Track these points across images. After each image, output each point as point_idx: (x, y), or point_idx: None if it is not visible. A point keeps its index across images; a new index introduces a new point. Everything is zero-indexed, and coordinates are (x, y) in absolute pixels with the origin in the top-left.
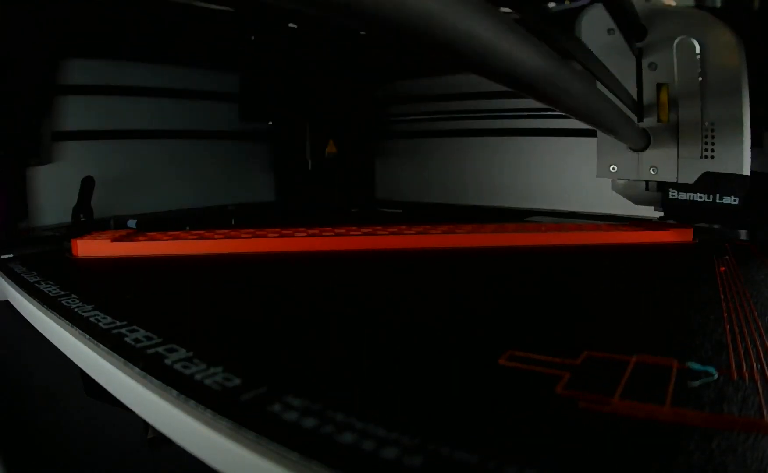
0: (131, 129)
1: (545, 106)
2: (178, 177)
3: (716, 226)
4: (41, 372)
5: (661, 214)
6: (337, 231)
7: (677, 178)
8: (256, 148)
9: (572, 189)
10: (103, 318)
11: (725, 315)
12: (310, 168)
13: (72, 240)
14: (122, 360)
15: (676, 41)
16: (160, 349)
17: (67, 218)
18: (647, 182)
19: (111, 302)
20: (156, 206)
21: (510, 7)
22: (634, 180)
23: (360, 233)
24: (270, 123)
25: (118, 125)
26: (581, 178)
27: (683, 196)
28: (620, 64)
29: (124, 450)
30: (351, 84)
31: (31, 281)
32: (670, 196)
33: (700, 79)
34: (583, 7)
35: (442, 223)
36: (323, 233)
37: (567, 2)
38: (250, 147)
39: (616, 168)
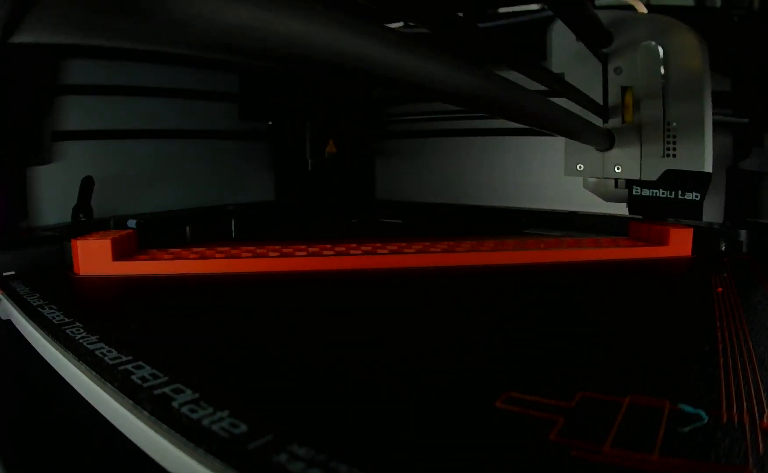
0: (131, 129)
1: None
2: (178, 177)
3: (716, 226)
4: (43, 379)
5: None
6: (337, 249)
7: (640, 175)
8: (256, 148)
9: (572, 188)
10: (109, 351)
11: (720, 346)
12: (310, 168)
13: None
14: (130, 402)
15: (640, 46)
16: (166, 390)
17: (67, 218)
18: (616, 180)
19: (115, 332)
20: (156, 206)
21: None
22: (603, 178)
23: (360, 252)
24: (270, 123)
25: (118, 125)
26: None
27: (646, 192)
28: (590, 68)
29: (125, 450)
30: (351, 84)
31: (34, 304)
32: (634, 193)
33: (663, 81)
34: (553, 18)
35: (443, 228)
36: (323, 252)
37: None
38: (250, 147)
39: (582, 167)
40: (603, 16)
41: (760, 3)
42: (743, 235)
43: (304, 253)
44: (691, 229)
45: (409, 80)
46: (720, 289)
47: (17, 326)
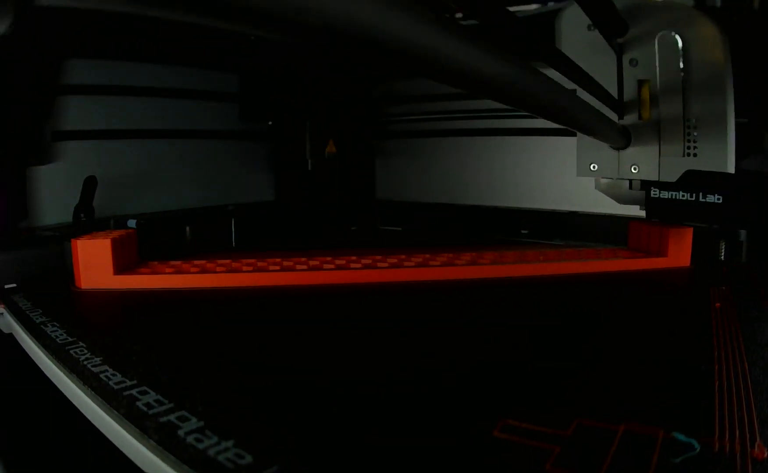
0: (131, 129)
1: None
2: (178, 177)
3: (716, 227)
4: (47, 397)
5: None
6: (337, 262)
7: (659, 176)
8: (256, 148)
9: (573, 188)
10: (113, 375)
11: (716, 367)
12: (310, 168)
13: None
14: (137, 430)
15: (658, 36)
16: (172, 417)
17: (67, 218)
18: (630, 181)
19: (119, 353)
20: (156, 206)
21: (476, 15)
22: (617, 179)
23: (360, 266)
24: (270, 123)
25: (119, 125)
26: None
27: (665, 194)
28: (601, 59)
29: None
30: (351, 84)
31: (37, 321)
32: (652, 195)
33: (683, 75)
34: (559, 8)
35: (443, 234)
36: (324, 265)
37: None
38: (250, 147)
39: (596, 166)
40: (618, 3)
41: (760, 3)
42: (743, 235)
43: (305, 267)
44: (691, 230)
45: (440, 63)
46: (718, 305)
47: (20, 343)
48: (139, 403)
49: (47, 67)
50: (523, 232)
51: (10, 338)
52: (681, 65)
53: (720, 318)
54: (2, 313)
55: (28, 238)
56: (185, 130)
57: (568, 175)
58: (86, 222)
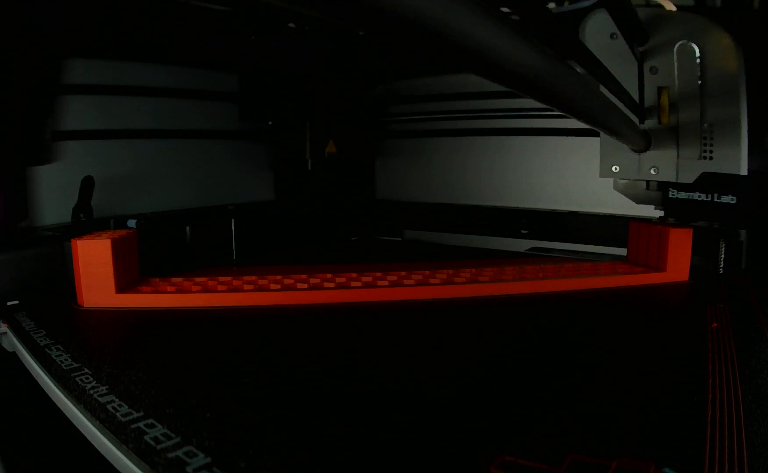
0: (131, 129)
1: (546, 106)
2: (178, 177)
3: (715, 226)
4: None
5: (662, 213)
6: (338, 280)
7: (677, 178)
8: (256, 148)
9: (574, 188)
10: (120, 406)
11: (710, 395)
12: (310, 168)
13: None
14: (146, 466)
15: (676, 46)
16: (180, 453)
17: (67, 218)
18: (648, 182)
19: (124, 381)
20: (156, 206)
21: (511, 8)
22: (635, 180)
23: (360, 284)
24: (270, 123)
25: (118, 125)
26: (583, 178)
27: (683, 195)
28: (622, 67)
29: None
30: (351, 84)
31: (42, 344)
32: (670, 195)
33: (700, 82)
34: (586, 12)
35: (443, 241)
36: (324, 283)
37: (566, 3)
38: (250, 147)
39: (618, 168)
40: (639, 13)
41: (760, 3)
42: (743, 234)
43: (305, 286)
44: (690, 243)
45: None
46: (714, 325)
47: (26, 365)
48: (146, 436)
49: (47, 66)
50: (523, 231)
51: (14, 356)
52: (698, 73)
53: (716, 340)
54: (5, 332)
55: (28, 238)
56: (185, 130)
57: (568, 176)
58: (86, 221)
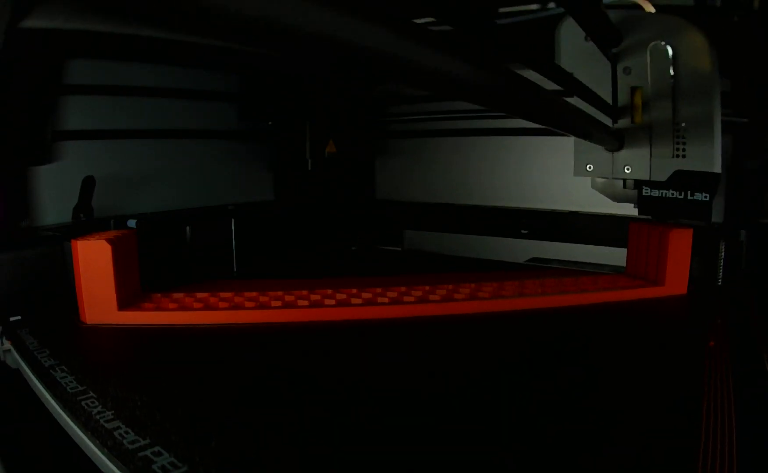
0: (131, 129)
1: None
2: (178, 177)
3: (716, 226)
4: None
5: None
6: (338, 298)
7: (650, 176)
8: (256, 148)
9: (574, 189)
10: (126, 433)
11: (703, 426)
12: (310, 168)
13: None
14: None
15: (649, 46)
16: None
17: (67, 218)
18: (624, 180)
19: (129, 406)
20: (156, 206)
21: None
22: (612, 178)
23: (361, 301)
24: (270, 123)
25: (119, 125)
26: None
27: (656, 193)
28: (597, 68)
29: None
30: (351, 84)
31: (46, 364)
32: (644, 193)
33: (673, 81)
34: (560, 17)
35: (443, 251)
36: (325, 301)
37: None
38: (250, 147)
39: (592, 167)
40: (611, 15)
41: (760, 3)
42: (743, 234)
43: (306, 303)
44: (689, 255)
45: (427, 75)
46: (711, 343)
47: (31, 386)
48: (154, 466)
49: (47, 66)
50: (523, 231)
51: (18, 373)
52: (671, 73)
53: (712, 359)
54: (9, 349)
55: (28, 238)
56: (185, 130)
57: (569, 176)
58: (86, 221)
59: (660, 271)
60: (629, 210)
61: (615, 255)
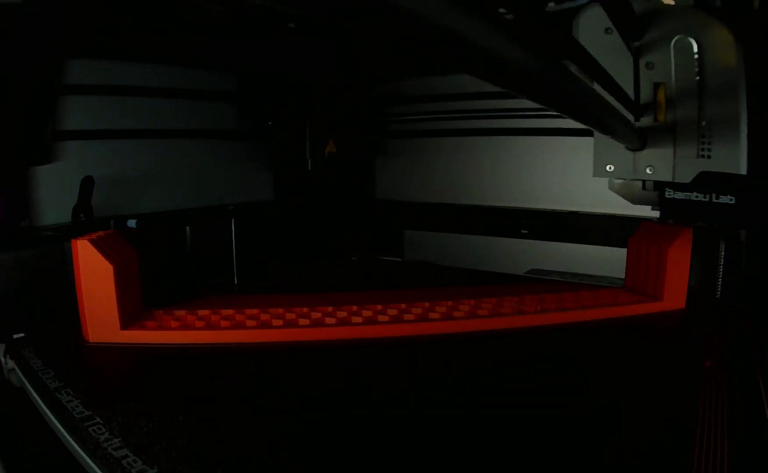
0: (131, 129)
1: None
2: (178, 177)
3: (717, 225)
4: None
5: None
6: (339, 316)
7: (673, 177)
8: (256, 148)
9: (574, 189)
10: (134, 461)
11: (696, 450)
12: (310, 168)
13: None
14: None
15: (673, 40)
16: None
17: (67, 218)
18: (644, 182)
19: (136, 433)
20: (156, 206)
21: (505, 8)
22: (631, 179)
23: (361, 320)
24: (270, 123)
25: (119, 125)
26: (584, 178)
27: (680, 195)
28: (617, 63)
29: None
30: (351, 84)
31: (51, 387)
32: (667, 196)
33: (698, 78)
34: (580, 8)
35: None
36: (326, 319)
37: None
38: (250, 147)
39: (612, 167)
40: (635, 7)
41: (760, 3)
42: (743, 235)
43: (307, 322)
44: (687, 268)
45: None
46: (708, 363)
47: (37, 408)
48: None
49: (47, 67)
50: (523, 231)
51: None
52: (696, 69)
53: (708, 379)
54: (13, 368)
55: (28, 238)
56: (185, 130)
57: (569, 176)
58: (86, 221)
59: (658, 287)
60: (629, 210)
61: (615, 256)
